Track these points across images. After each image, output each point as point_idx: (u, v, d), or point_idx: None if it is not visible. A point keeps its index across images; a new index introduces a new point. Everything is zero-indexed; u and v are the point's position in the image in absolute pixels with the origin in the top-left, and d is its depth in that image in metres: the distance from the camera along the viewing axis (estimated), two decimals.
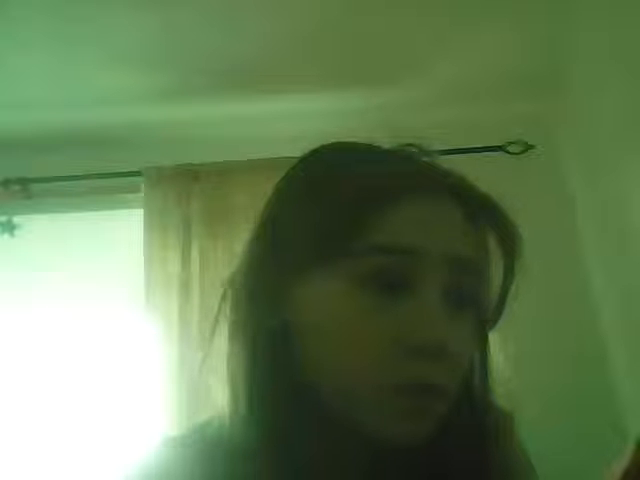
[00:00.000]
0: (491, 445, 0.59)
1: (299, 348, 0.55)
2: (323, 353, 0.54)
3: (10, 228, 2.14)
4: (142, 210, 2.13)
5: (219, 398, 0.58)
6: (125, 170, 2.16)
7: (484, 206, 0.58)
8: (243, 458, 0.54)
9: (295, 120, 2.13)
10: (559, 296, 2.01)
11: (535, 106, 2.17)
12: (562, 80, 2.08)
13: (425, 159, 0.62)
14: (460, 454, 0.57)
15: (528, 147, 2.14)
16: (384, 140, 0.64)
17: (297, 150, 0.69)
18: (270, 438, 0.54)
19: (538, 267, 2.04)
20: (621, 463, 0.70)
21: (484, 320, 0.59)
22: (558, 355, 1.92)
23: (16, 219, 2.16)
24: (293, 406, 0.54)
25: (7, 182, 2.17)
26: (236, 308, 0.59)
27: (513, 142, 2.15)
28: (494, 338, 0.63)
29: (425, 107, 2.14)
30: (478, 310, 0.57)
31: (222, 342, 0.60)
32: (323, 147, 0.63)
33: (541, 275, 2.13)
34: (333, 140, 0.65)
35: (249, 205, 2.01)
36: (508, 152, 2.15)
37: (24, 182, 2.17)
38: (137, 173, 2.16)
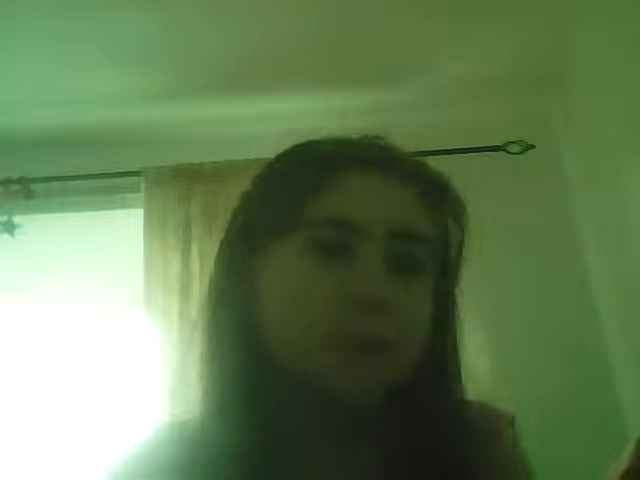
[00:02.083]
0: (465, 433, 0.60)
1: (262, 319, 0.59)
2: (278, 316, 0.58)
3: (10, 228, 2.14)
4: (142, 210, 2.13)
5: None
6: (125, 170, 2.16)
7: (436, 184, 0.63)
8: (226, 457, 0.56)
9: (295, 120, 2.13)
10: (559, 295, 2.01)
11: (535, 106, 2.17)
12: (562, 80, 2.08)
13: (376, 141, 0.66)
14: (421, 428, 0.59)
15: (528, 147, 2.14)
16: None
17: None
18: (237, 407, 0.57)
19: (538, 266, 2.04)
20: (621, 463, 0.70)
21: (444, 286, 0.63)
22: (558, 355, 1.92)
23: (16, 219, 2.15)
24: (256, 375, 0.58)
25: (7, 182, 2.17)
26: (209, 294, 0.65)
27: (513, 142, 2.15)
28: (475, 331, 0.66)
29: (425, 107, 2.14)
30: (429, 277, 0.60)
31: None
32: (291, 146, 0.68)
33: (541, 274, 2.14)
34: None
35: None
36: (508, 152, 2.14)
37: (24, 182, 2.17)
38: (137, 173, 2.16)
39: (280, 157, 0.66)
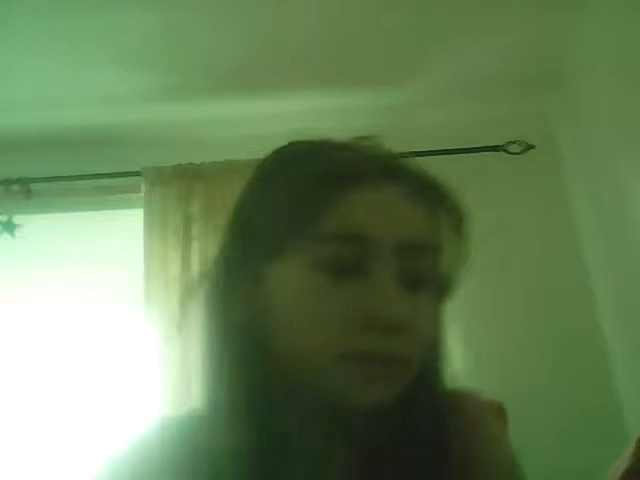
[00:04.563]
0: (446, 425, 0.60)
1: (269, 331, 0.58)
2: (290, 330, 0.57)
3: (10, 228, 2.14)
4: (142, 210, 2.13)
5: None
6: (125, 170, 2.16)
7: (436, 191, 0.61)
8: (225, 453, 0.56)
9: (295, 120, 2.13)
10: (559, 295, 2.01)
11: (535, 106, 2.17)
12: (562, 80, 2.08)
13: (378, 149, 0.65)
14: (416, 428, 0.59)
15: (528, 147, 2.14)
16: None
17: None
18: (244, 413, 0.57)
19: (538, 266, 2.04)
20: (622, 463, 0.70)
21: (441, 296, 0.62)
22: (558, 355, 1.92)
23: (16, 219, 2.15)
24: (264, 382, 0.58)
25: (7, 182, 2.17)
26: (208, 298, 0.63)
27: (513, 142, 2.15)
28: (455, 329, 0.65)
29: (425, 107, 2.14)
30: (435, 288, 0.60)
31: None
32: (284, 145, 0.67)
33: (541, 274, 2.14)
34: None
35: None
36: (508, 152, 2.14)
37: (24, 182, 2.17)
38: (137, 173, 2.16)
39: (282, 163, 0.64)
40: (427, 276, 0.58)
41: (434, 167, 0.63)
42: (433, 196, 0.61)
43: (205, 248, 2.06)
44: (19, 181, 2.17)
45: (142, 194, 2.15)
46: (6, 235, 2.14)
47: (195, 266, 2.04)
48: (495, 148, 2.13)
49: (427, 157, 2.04)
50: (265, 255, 0.59)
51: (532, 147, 2.14)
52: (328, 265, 0.56)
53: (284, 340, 0.57)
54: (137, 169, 2.16)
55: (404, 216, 0.58)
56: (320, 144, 0.65)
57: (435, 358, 0.62)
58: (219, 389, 0.59)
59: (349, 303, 0.55)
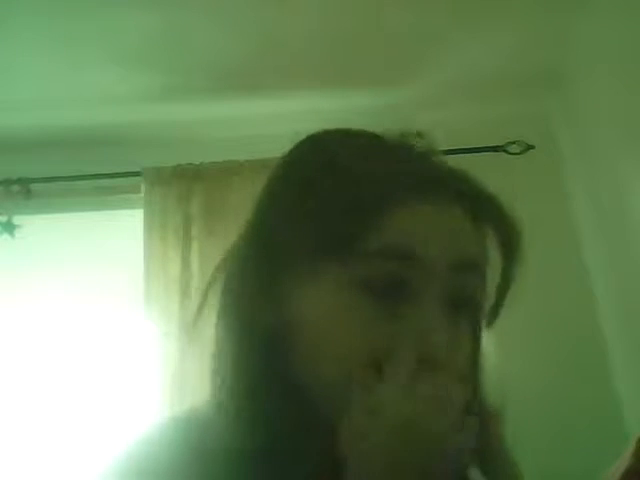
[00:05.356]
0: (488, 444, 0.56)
1: (292, 348, 0.54)
2: (317, 355, 0.53)
3: (10, 228, 2.14)
4: (142, 210, 2.13)
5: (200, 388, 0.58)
6: (125, 170, 2.16)
7: (486, 205, 0.57)
8: (231, 454, 0.51)
9: (295, 120, 2.12)
10: (559, 295, 2.01)
11: (535, 106, 2.17)
12: (562, 80, 2.08)
13: (424, 153, 0.60)
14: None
15: (528, 147, 2.14)
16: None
17: None
18: (257, 434, 0.52)
19: (538, 267, 2.04)
20: (622, 464, 0.70)
21: (481, 319, 0.58)
22: (558, 355, 1.92)
23: (16, 219, 2.15)
24: (282, 402, 0.53)
25: (7, 182, 2.17)
26: (226, 303, 0.58)
27: (513, 142, 2.15)
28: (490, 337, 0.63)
29: (425, 107, 2.14)
30: (476, 310, 0.56)
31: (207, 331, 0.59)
32: (316, 138, 0.62)
33: (541, 275, 2.14)
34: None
35: (249, 205, 2.00)
36: (508, 152, 2.14)
37: (24, 182, 2.17)
38: (137, 173, 2.16)
39: (310, 166, 0.58)
40: (473, 298, 0.55)
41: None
42: (488, 216, 0.56)
43: (205, 248, 2.06)
44: (19, 181, 2.17)
45: (142, 194, 2.15)
46: (6, 235, 2.14)
47: (195, 266, 2.04)
48: (495, 148, 2.13)
49: None
50: (297, 268, 0.54)
51: (532, 147, 2.14)
52: (368, 283, 0.51)
53: (313, 359, 0.53)
54: (137, 169, 2.16)
55: (456, 234, 0.54)
56: (363, 143, 0.59)
57: (475, 379, 0.58)
58: (227, 389, 0.55)
59: (390, 333, 0.51)
